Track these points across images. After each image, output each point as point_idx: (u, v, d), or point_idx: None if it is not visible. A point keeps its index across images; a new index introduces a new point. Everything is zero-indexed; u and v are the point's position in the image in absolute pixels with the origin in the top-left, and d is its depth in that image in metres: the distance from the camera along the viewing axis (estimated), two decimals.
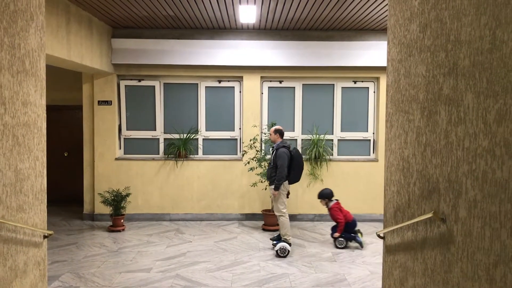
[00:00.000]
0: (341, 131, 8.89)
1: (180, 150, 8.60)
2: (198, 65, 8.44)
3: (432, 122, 2.80)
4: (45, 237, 3.85)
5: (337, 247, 6.98)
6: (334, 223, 7.23)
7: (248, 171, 8.30)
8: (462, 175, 2.39)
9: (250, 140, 8.33)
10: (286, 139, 7.36)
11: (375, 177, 8.67)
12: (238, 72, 8.62)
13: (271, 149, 6.93)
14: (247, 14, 7.17)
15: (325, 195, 7.31)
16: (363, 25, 7.93)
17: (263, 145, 8.73)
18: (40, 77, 3.69)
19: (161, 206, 8.67)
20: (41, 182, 3.77)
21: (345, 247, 6.98)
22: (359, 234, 7.09)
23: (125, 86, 8.74)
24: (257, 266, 6.10)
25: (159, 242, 7.22)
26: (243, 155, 8.52)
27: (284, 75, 8.66)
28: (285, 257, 6.49)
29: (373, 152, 8.93)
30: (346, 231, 7.08)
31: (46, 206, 3.90)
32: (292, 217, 8.69)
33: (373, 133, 8.90)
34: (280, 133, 6.88)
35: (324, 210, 8.69)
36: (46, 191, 3.88)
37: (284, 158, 6.61)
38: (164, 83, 8.79)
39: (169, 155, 8.71)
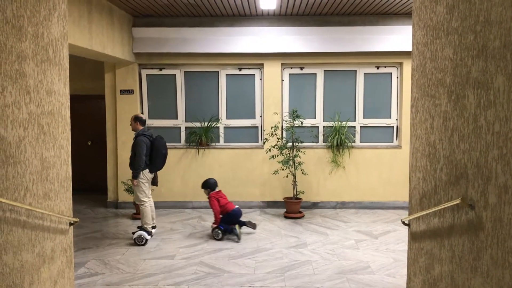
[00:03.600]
0: (364, 117, 8.77)
1: (201, 138, 8.62)
2: (218, 53, 8.41)
3: (460, 106, 2.73)
4: (71, 224, 3.92)
5: (215, 239, 6.70)
6: None
7: (270, 159, 8.28)
8: (492, 160, 2.32)
9: (271, 127, 8.29)
10: (149, 127, 6.89)
11: (398, 164, 8.56)
12: (258, 59, 8.56)
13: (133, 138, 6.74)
14: (268, 0, 7.09)
15: (209, 185, 7.05)
16: (386, 9, 7.77)
17: (284, 132, 8.69)
18: (63, 66, 3.73)
19: (183, 194, 8.74)
20: (66, 170, 3.82)
21: (222, 239, 6.69)
22: (236, 226, 6.70)
23: (147, 75, 8.78)
24: (279, 253, 6.10)
25: (182, 229, 7.29)
26: (264, 143, 8.50)
27: (305, 61, 8.57)
28: (143, 245, 6.43)
29: (396, 139, 8.81)
30: (226, 222, 6.78)
31: (71, 193, 3.96)
32: (314, 205, 8.67)
33: (396, 120, 8.76)
34: (140, 120, 6.69)
35: (346, 197, 8.66)
36: (71, 179, 3.93)
37: (141, 146, 6.45)
38: (185, 71, 8.80)
39: (191, 144, 8.75)
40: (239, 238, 6.68)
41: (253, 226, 6.99)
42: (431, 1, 3.24)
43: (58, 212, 3.69)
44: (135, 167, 6.48)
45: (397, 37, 8.14)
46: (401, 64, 8.60)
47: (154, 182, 6.94)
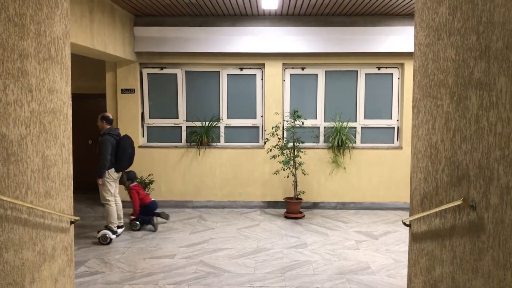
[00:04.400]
0: (365, 118, 8.77)
1: (202, 138, 8.62)
2: (219, 53, 8.41)
3: (462, 107, 2.73)
4: (71, 222, 3.92)
5: (133, 230, 7.17)
6: None
7: (270, 159, 8.28)
8: (494, 161, 2.32)
9: (272, 127, 8.29)
10: (116, 128, 7.05)
11: (399, 165, 8.56)
12: (260, 59, 8.56)
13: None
14: (269, 0, 7.08)
15: (131, 177, 7.41)
16: (388, 10, 7.77)
17: (285, 132, 8.69)
18: (65, 65, 3.73)
19: (184, 194, 8.74)
20: (68, 168, 3.82)
21: (140, 229, 7.17)
22: (154, 218, 7.20)
23: (148, 74, 8.78)
24: (280, 254, 6.10)
25: (183, 228, 7.29)
26: (265, 143, 8.50)
27: (307, 62, 8.57)
28: (107, 244, 6.48)
29: (397, 140, 8.81)
30: (144, 214, 7.27)
31: (72, 192, 3.96)
32: (315, 205, 8.67)
33: (397, 121, 8.76)
34: (106, 119, 6.75)
35: (347, 198, 8.66)
36: (72, 177, 3.93)
37: (106, 145, 6.51)
38: (186, 71, 8.80)
39: (192, 143, 8.75)
40: (155, 229, 7.16)
41: (166, 217, 7.54)
42: (433, 1, 3.24)
43: (59, 210, 3.69)
44: (100, 166, 6.53)
45: (399, 38, 8.14)
46: (402, 65, 8.60)
47: (122, 181, 7.07)
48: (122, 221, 6.95)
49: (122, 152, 6.69)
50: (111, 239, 6.55)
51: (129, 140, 6.88)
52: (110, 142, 6.56)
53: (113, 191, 6.74)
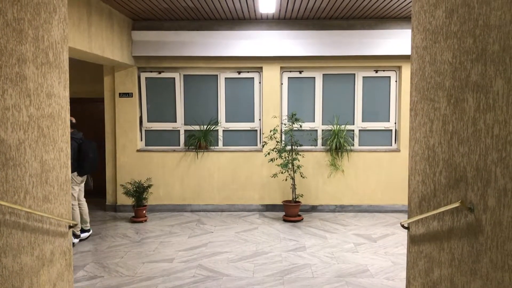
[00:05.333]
0: (362, 121, 8.79)
1: (200, 142, 8.62)
2: (217, 56, 8.43)
3: (459, 110, 2.74)
4: (70, 227, 3.91)
5: None
6: None
7: (268, 162, 8.29)
8: (491, 163, 2.33)
9: (270, 131, 8.31)
10: (77, 131, 6.91)
11: (396, 168, 8.57)
12: (257, 63, 8.58)
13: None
14: (267, 4, 7.11)
15: None
16: (385, 13, 7.80)
17: (283, 136, 8.70)
18: (63, 69, 3.73)
19: (182, 197, 8.73)
20: (66, 173, 3.82)
21: None
22: None
23: (146, 78, 8.79)
24: (278, 257, 6.10)
25: (181, 232, 7.28)
26: (263, 146, 8.51)
27: (304, 65, 8.59)
28: None
29: (395, 143, 8.82)
30: None
31: (70, 196, 3.95)
32: (313, 208, 8.67)
33: (395, 123, 8.78)
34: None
35: (345, 200, 8.66)
36: (70, 182, 3.93)
37: None
38: (184, 74, 8.81)
39: (190, 147, 8.75)
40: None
41: None
42: (430, 5, 3.26)
43: (58, 215, 3.68)
44: None
45: (396, 41, 8.17)
46: (399, 68, 8.63)
47: (88, 185, 7.09)
48: (88, 225, 6.97)
49: (83, 156, 6.70)
50: (73, 243, 6.55)
51: (92, 145, 6.89)
52: (71, 146, 6.59)
53: (77, 195, 6.78)
